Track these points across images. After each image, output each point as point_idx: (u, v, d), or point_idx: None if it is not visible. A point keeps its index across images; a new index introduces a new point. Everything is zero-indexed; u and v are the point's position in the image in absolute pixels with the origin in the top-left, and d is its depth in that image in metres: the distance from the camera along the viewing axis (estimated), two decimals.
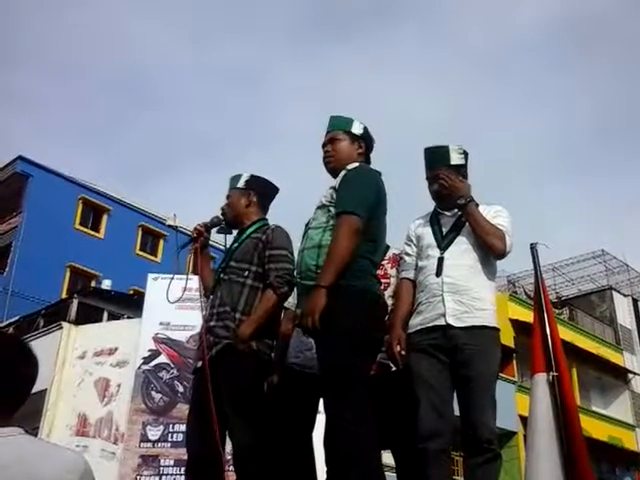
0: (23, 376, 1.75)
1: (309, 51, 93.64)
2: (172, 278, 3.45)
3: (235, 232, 3.48)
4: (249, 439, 2.94)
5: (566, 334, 20.18)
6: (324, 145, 3.13)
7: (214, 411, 2.91)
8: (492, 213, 3.13)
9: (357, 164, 2.99)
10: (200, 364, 3.11)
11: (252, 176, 3.47)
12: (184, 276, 3.38)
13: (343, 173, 2.94)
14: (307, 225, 3.01)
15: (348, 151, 3.06)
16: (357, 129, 3.10)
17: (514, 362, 20.38)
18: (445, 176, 3.13)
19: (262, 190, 3.47)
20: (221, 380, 3.01)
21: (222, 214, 3.46)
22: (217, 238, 3.72)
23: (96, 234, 25.70)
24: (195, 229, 3.44)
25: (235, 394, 3.00)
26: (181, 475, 12.30)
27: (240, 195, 3.42)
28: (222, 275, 3.23)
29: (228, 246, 3.43)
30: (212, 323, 3.14)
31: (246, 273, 3.17)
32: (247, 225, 3.37)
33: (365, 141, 3.11)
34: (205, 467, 3.03)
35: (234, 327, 3.07)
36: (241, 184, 3.44)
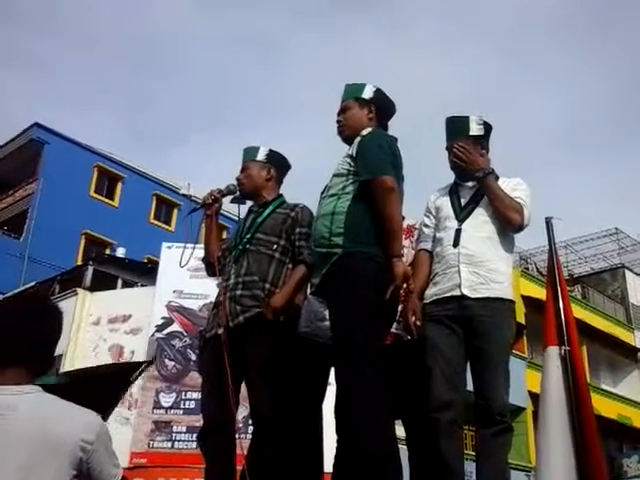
0: (39, 334, 1.77)
1: (326, 21, 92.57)
2: (185, 247, 3.38)
3: (249, 203, 3.48)
4: (271, 410, 2.98)
5: (578, 312, 20.09)
6: (338, 115, 3.13)
7: (230, 378, 2.94)
8: (511, 186, 3.12)
9: (370, 129, 2.97)
10: (220, 331, 3.10)
11: (271, 150, 3.48)
12: (197, 245, 3.39)
13: (358, 139, 2.93)
14: (322, 193, 3.02)
15: (358, 118, 3.05)
16: (367, 93, 3.08)
17: (525, 338, 20.38)
18: (463, 149, 3.11)
19: (281, 165, 3.51)
20: (248, 348, 3.05)
21: (239, 184, 3.44)
22: (229, 207, 3.71)
23: (111, 202, 25.81)
24: (211, 195, 3.41)
25: (264, 363, 3.04)
26: (193, 441, 12.47)
27: (260, 168, 3.43)
28: (248, 246, 3.23)
29: (241, 216, 3.45)
30: (238, 292, 3.15)
31: (275, 247, 3.23)
32: (269, 199, 3.39)
33: (377, 105, 3.07)
34: (219, 433, 3.08)
35: (264, 296, 3.12)
36: (261, 157, 3.44)
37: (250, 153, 3.49)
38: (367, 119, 3.04)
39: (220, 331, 3.10)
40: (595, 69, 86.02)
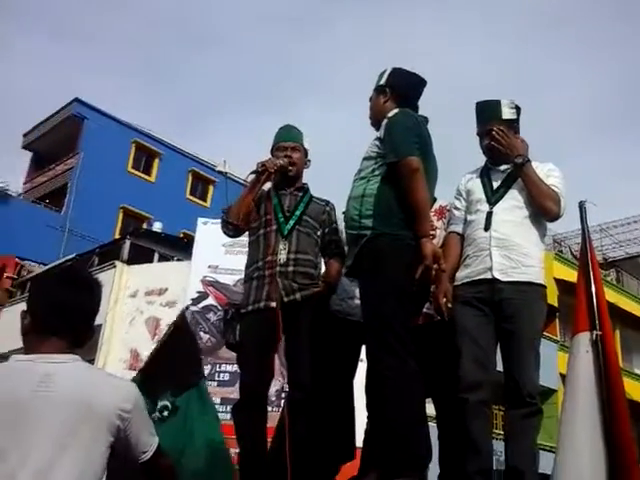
0: (79, 305, 1.81)
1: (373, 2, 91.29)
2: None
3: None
4: (311, 383, 3.06)
5: (611, 296, 19.79)
6: None
7: (285, 352, 3.08)
8: (545, 172, 3.10)
9: (397, 110, 2.99)
10: (273, 304, 3.12)
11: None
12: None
13: (384, 122, 2.97)
14: (355, 176, 3.04)
15: (375, 106, 3.12)
16: (383, 79, 3.12)
17: (557, 321, 20.18)
18: (502, 133, 3.10)
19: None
20: (302, 323, 3.14)
21: (292, 164, 3.38)
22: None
23: (148, 178, 26.08)
24: (275, 165, 3.30)
25: (313, 338, 3.14)
26: (227, 413, 12.59)
27: (303, 156, 3.47)
28: (297, 225, 3.28)
29: (271, 193, 3.42)
30: (290, 268, 3.20)
31: (318, 232, 3.35)
32: (303, 186, 3.45)
33: (391, 87, 3.08)
34: (256, 405, 3.12)
35: (316, 276, 3.26)
36: (307, 145, 3.49)
37: (298, 136, 3.49)
38: (383, 104, 3.08)
39: (273, 304, 3.12)
40: (615, 51, 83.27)
